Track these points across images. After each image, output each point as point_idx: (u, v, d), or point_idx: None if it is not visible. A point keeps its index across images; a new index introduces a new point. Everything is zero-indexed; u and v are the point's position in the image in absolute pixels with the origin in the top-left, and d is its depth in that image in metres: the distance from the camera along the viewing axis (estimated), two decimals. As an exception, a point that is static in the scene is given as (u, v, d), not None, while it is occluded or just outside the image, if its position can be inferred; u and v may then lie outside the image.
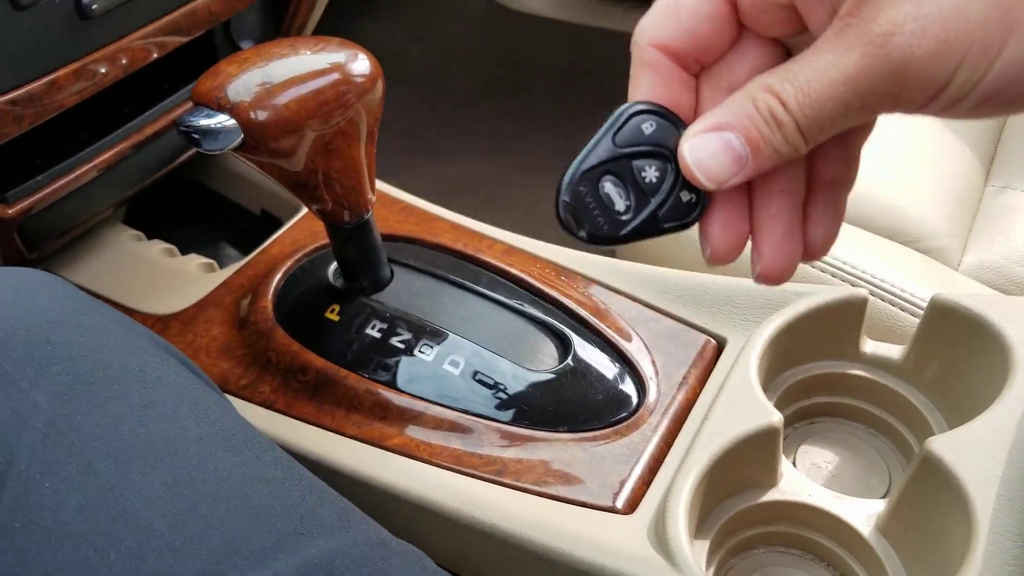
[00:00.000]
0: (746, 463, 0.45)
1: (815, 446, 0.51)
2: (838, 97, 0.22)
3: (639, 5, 1.29)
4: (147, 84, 0.56)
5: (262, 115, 0.42)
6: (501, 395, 0.49)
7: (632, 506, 0.45)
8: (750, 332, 0.50)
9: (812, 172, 0.27)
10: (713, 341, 0.54)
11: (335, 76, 0.44)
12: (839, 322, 0.50)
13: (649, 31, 0.26)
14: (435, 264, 0.56)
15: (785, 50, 0.26)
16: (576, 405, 0.50)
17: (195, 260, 0.61)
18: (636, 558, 0.41)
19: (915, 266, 0.61)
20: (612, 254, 0.73)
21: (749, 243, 0.28)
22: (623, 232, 0.27)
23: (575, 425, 0.49)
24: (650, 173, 0.27)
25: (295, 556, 0.29)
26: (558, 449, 0.48)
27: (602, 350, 0.53)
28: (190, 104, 0.43)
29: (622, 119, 0.26)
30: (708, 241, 0.27)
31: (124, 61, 0.49)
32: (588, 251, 0.59)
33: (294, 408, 0.50)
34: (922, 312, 0.50)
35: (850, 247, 0.59)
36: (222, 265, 0.61)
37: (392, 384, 0.50)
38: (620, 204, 0.27)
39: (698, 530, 0.45)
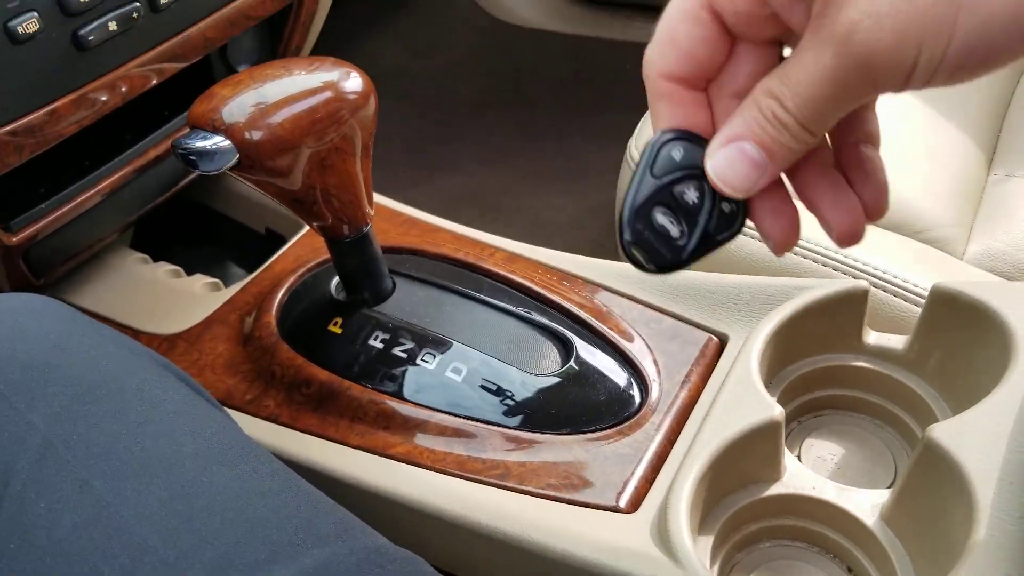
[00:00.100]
0: (749, 458, 0.45)
1: (820, 439, 0.51)
2: (825, 92, 0.24)
3: (638, 15, 1.30)
4: (147, 110, 0.57)
5: (257, 135, 0.43)
6: (504, 400, 0.50)
7: (635, 505, 0.45)
8: (752, 328, 0.51)
9: (833, 140, 0.28)
10: (715, 338, 0.54)
11: (328, 94, 0.45)
12: (841, 315, 0.50)
13: (655, 64, 0.28)
14: (437, 274, 0.57)
15: (779, 48, 0.28)
16: (579, 407, 0.50)
17: (200, 280, 0.62)
18: (639, 556, 0.41)
19: (918, 256, 0.61)
20: (615, 257, 0.73)
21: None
22: (684, 256, 0.29)
23: (578, 426, 0.49)
24: (691, 195, 0.28)
25: (290, 567, 0.30)
26: (561, 451, 0.48)
27: (604, 351, 0.53)
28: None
29: (654, 152, 0.28)
30: (766, 236, 0.29)
31: (123, 89, 0.50)
32: (589, 256, 0.60)
33: (298, 421, 0.50)
34: (924, 301, 0.50)
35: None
36: (228, 284, 0.62)
37: (395, 394, 0.50)
38: (675, 231, 0.29)
39: (702, 526, 0.45)
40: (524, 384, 0.50)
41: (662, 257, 0.29)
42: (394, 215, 0.63)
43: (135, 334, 0.57)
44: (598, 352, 0.53)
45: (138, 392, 0.34)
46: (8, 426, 0.31)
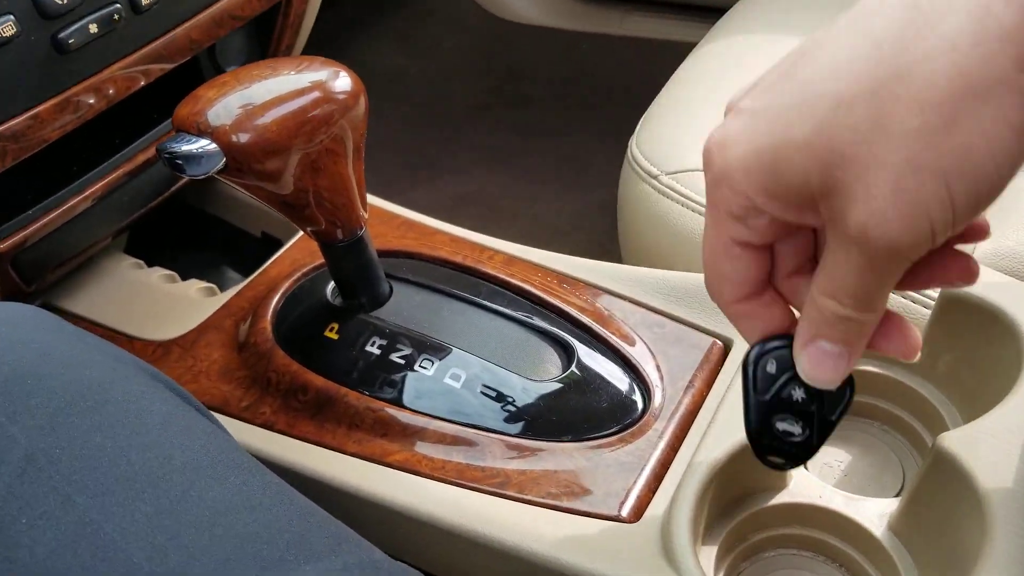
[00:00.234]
0: (754, 466, 0.43)
1: (827, 445, 0.49)
2: (868, 280, 0.27)
3: (635, 9, 1.29)
4: (136, 113, 0.56)
5: (243, 137, 0.42)
6: (504, 407, 0.49)
7: (638, 514, 0.44)
8: (755, 331, 0.49)
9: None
10: (719, 343, 0.53)
11: (316, 94, 0.44)
12: (846, 317, 0.49)
13: (720, 297, 0.32)
14: (435, 278, 0.56)
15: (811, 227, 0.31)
16: (580, 414, 0.49)
17: (195, 285, 0.61)
18: (641, 567, 0.40)
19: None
20: (619, 259, 0.72)
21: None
22: (813, 445, 0.33)
23: (579, 434, 0.48)
24: (797, 395, 0.31)
25: None
26: (562, 459, 0.47)
27: (606, 357, 0.52)
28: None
29: (752, 373, 0.32)
30: (892, 354, 0.32)
31: (109, 92, 0.49)
32: (590, 257, 0.59)
33: (295, 428, 0.49)
34: (934, 303, 0.48)
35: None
36: (224, 289, 0.61)
37: (393, 400, 0.49)
38: (796, 430, 0.32)
39: (707, 535, 0.44)
40: (524, 390, 0.49)
41: (794, 456, 0.33)
42: (391, 217, 0.62)
43: (129, 340, 0.56)
44: (599, 357, 0.52)
45: (124, 403, 0.33)
46: None
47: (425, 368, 0.50)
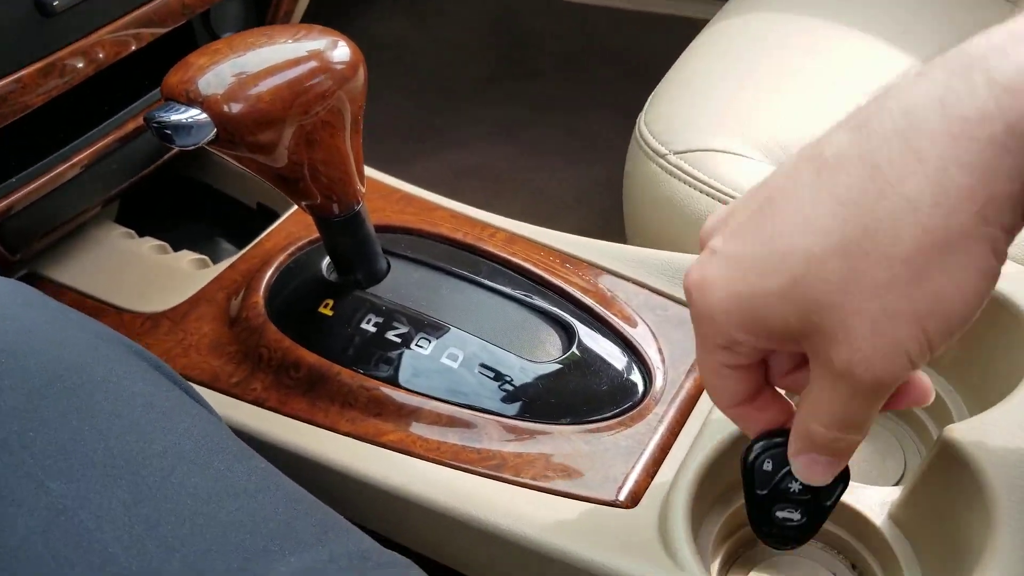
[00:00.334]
0: (755, 453, 0.43)
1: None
2: (853, 407, 0.29)
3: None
4: (127, 80, 0.55)
5: (236, 107, 0.40)
6: (501, 388, 0.48)
7: (635, 499, 0.43)
8: (759, 315, 0.48)
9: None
10: (722, 326, 0.51)
11: (313, 64, 0.42)
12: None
13: (720, 403, 0.34)
14: (434, 255, 0.55)
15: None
16: (579, 396, 0.48)
17: (187, 256, 0.60)
18: (637, 554, 0.39)
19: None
20: (623, 239, 0.71)
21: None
22: (810, 531, 0.35)
23: (578, 416, 0.47)
24: (795, 487, 0.34)
25: None
26: (560, 442, 0.46)
27: (607, 339, 0.51)
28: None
29: (750, 472, 0.35)
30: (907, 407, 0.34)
31: (97, 56, 0.48)
32: (594, 233, 0.58)
33: (286, 405, 0.48)
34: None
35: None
36: (217, 261, 0.60)
37: (388, 379, 0.48)
38: (795, 516, 0.35)
39: (705, 520, 0.43)
40: (523, 371, 0.48)
41: (794, 540, 0.36)
42: (391, 192, 0.61)
43: (118, 312, 0.55)
44: (601, 339, 0.51)
45: (104, 384, 0.32)
46: None
47: (422, 347, 0.49)
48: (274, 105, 0.41)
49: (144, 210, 0.66)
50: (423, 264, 0.54)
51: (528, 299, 0.52)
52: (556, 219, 0.59)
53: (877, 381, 0.28)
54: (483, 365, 0.48)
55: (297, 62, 0.42)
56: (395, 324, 0.50)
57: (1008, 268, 0.58)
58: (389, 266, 0.53)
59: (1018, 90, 0.24)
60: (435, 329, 0.49)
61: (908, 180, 0.26)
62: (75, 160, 0.52)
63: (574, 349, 0.49)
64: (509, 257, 0.55)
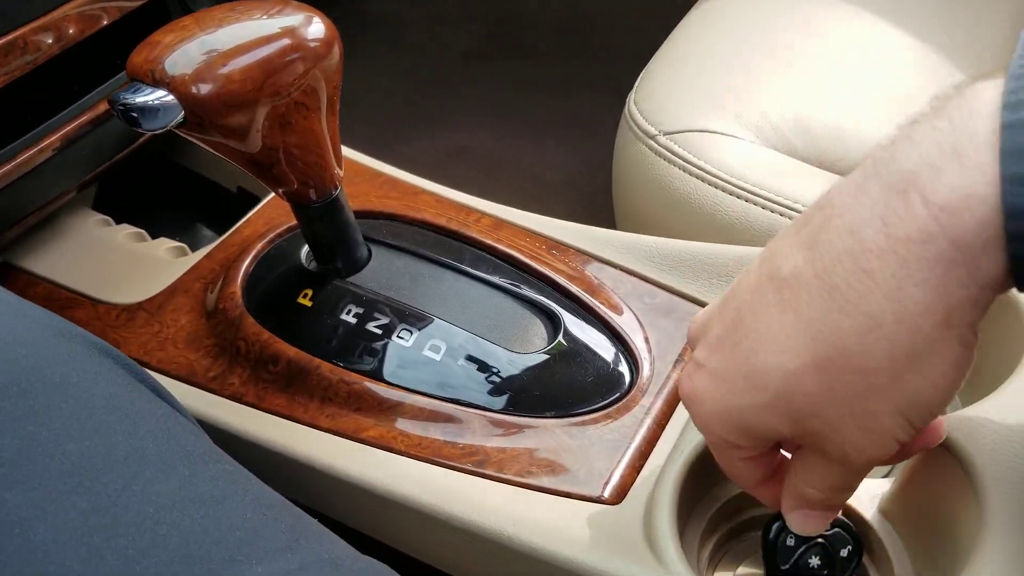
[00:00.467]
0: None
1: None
2: (846, 480, 0.33)
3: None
4: (98, 59, 0.52)
5: (204, 88, 0.38)
6: (484, 380, 0.46)
7: (620, 495, 0.42)
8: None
9: None
10: (712, 315, 0.50)
11: (285, 41, 0.40)
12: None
13: (743, 485, 0.37)
14: (416, 242, 0.53)
15: None
16: (564, 388, 0.47)
17: (165, 244, 0.58)
18: (622, 552, 0.38)
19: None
20: (613, 222, 0.69)
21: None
22: None
23: (563, 409, 0.46)
24: (814, 561, 0.37)
25: None
26: (544, 436, 0.45)
27: (593, 328, 0.50)
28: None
29: (773, 549, 0.37)
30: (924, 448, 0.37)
31: (66, 32, 0.45)
32: (584, 215, 0.56)
33: (265, 401, 0.47)
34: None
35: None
36: (196, 248, 0.58)
37: (368, 373, 0.47)
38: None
39: (693, 514, 0.42)
40: (506, 363, 0.47)
41: None
42: (374, 175, 0.59)
43: (93, 304, 0.53)
44: (587, 329, 0.49)
45: (64, 386, 0.30)
46: None
47: (403, 339, 0.47)
48: (245, 86, 0.39)
49: (122, 195, 0.64)
50: (405, 251, 0.52)
51: (513, 288, 0.51)
52: (547, 201, 0.58)
53: (870, 461, 0.31)
54: (466, 357, 0.47)
55: (269, 40, 0.40)
56: (376, 315, 0.48)
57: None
58: (370, 254, 0.51)
59: (954, 209, 0.25)
60: (417, 320, 0.48)
61: (867, 299, 0.27)
62: (44, 144, 0.50)
63: (560, 339, 0.48)
64: (494, 244, 0.53)
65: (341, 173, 0.47)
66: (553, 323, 0.49)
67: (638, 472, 0.43)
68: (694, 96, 0.63)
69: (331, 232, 0.49)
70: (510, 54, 1.28)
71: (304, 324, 0.49)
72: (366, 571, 0.31)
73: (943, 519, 0.38)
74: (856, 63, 0.65)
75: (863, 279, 0.27)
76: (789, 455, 0.36)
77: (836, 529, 0.38)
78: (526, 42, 1.29)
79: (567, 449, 0.44)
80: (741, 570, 0.43)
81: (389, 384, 0.46)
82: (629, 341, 0.49)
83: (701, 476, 0.41)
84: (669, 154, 0.59)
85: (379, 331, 0.48)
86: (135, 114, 0.38)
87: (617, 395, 0.47)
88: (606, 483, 0.43)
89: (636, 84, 0.67)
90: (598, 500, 0.42)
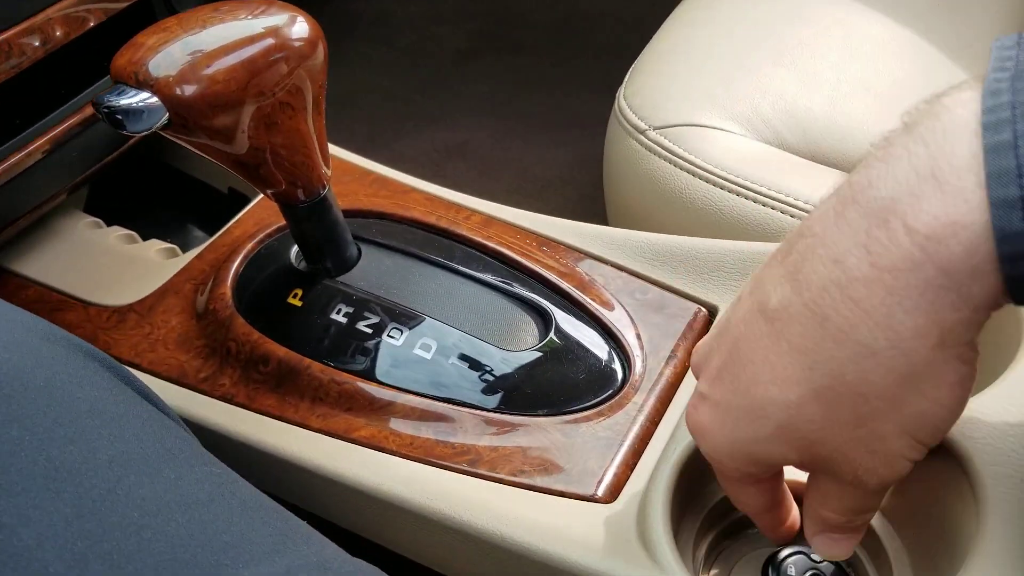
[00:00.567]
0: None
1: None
2: (864, 502, 0.33)
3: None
4: (85, 62, 0.52)
5: (188, 90, 0.38)
6: (476, 379, 0.46)
7: (614, 494, 0.42)
8: (742, 299, 0.47)
9: None
10: (704, 310, 0.50)
11: (269, 41, 0.40)
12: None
13: (748, 511, 0.38)
14: (406, 240, 0.53)
15: None
16: (556, 386, 0.47)
17: (156, 246, 0.58)
18: (615, 552, 0.38)
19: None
20: (602, 215, 0.69)
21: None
22: None
23: (555, 407, 0.46)
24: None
25: None
26: (536, 434, 0.45)
27: (585, 325, 0.49)
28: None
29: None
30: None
31: (53, 34, 0.45)
32: (576, 211, 0.56)
33: (255, 401, 0.47)
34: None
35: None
36: (187, 249, 0.58)
37: (359, 372, 0.47)
38: None
39: (688, 513, 0.42)
40: (498, 361, 0.47)
41: None
42: (364, 174, 0.59)
43: (84, 306, 0.53)
44: (578, 326, 0.49)
45: (48, 390, 0.30)
46: None
47: (394, 338, 0.47)
48: (229, 86, 0.39)
49: (113, 197, 0.64)
50: (395, 250, 0.52)
51: (504, 285, 0.50)
52: (540, 198, 0.58)
53: (883, 482, 0.31)
54: (457, 355, 0.47)
55: (253, 40, 0.40)
56: (366, 314, 0.48)
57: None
58: (360, 253, 0.51)
59: (939, 237, 0.25)
60: (407, 319, 0.48)
61: (858, 327, 0.27)
62: (33, 147, 0.50)
63: (551, 336, 0.48)
64: (484, 241, 0.53)
65: (329, 172, 0.47)
66: (544, 320, 0.49)
67: (631, 470, 0.43)
68: (684, 90, 0.62)
69: (320, 232, 0.49)
70: (504, 52, 1.27)
71: (294, 324, 0.49)
72: (355, 574, 0.31)
73: (940, 514, 0.38)
74: (847, 55, 0.65)
75: (852, 308, 0.27)
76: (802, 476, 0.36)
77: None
78: (520, 40, 1.29)
79: (560, 447, 0.44)
80: (736, 569, 0.43)
81: (380, 383, 0.46)
82: (621, 338, 0.49)
83: (695, 474, 0.41)
84: (659, 149, 0.59)
85: (369, 330, 0.48)
86: (119, 116, 0.38)
87: (610, 392, 0.47)
88: (599, 482, 0.43)
89: (625, 79, 0.67)
90: (591, 499, 0.42)
